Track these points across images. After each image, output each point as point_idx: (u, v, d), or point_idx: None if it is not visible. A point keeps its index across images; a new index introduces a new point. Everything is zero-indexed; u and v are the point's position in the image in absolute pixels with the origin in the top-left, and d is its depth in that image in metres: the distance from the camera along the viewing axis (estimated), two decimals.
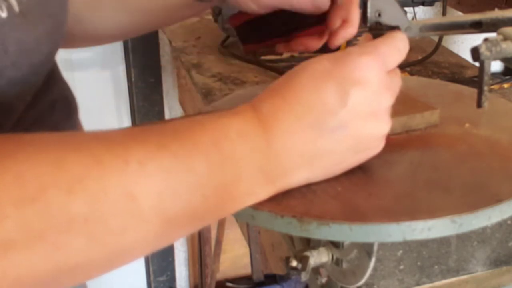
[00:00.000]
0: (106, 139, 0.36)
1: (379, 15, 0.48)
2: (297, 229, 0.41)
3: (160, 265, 1.77)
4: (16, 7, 0.43)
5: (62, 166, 0.33)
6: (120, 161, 0.34)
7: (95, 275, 0.36)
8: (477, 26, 0.50)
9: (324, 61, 0.43)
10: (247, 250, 1.22)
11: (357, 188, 0.45)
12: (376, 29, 0.49)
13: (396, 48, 0.45)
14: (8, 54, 0.43)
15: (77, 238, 0.33)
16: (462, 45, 1.50)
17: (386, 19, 0.48)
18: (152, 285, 1.79)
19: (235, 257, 1.73)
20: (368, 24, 0.50)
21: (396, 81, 0.45)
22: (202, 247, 1.67)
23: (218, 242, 1.55)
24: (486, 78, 0.45)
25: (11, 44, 0.43)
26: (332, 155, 0.43)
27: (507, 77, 0.99)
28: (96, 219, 0.33)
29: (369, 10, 0.48)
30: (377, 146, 0.45)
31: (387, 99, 0.43)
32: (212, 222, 0.40)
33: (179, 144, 0.37)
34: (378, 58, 0.43)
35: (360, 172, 0.45)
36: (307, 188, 0.44)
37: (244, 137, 0.40)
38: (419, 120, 0.53)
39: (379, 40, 0.45)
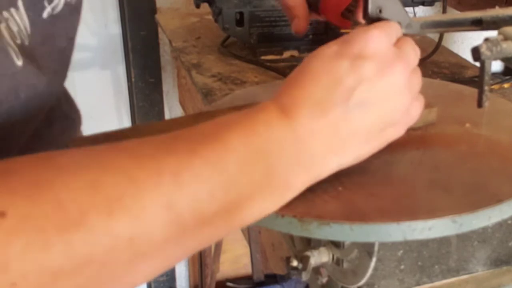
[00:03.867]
0: (137, 153, 0.36)
1: (380, 11, 0.48)
2: (298, 229, 0.41)
3: None
4: (20, 56, 0.42)
5: (98, 189, 0.33)
6: (154, 175, 0.35)
7: (139, 285, 0.36)
8: (478, 24, 0.51)
9: (332, 45, 0.44)
10: (247, 250, 1.22)
11: (358, 188, 0.45)
12: None
13: (387, 28, 0.46)
14: (19, 100, 0.42)
15: (123, 257, 0.33)
16: (462, 45, 1.50)
17: (387, 16, 0.48)
18: (152, 285, 1.79)
19: (235, 257, 1.73)
20: (368, 21, 0.50)
21: (408, 52, 0.46)
22: None
23: (218, 242, 1.55)
24: (486, 78, 0.45)
25: (24, 91, 0.43)
26: (357, 134, 0.43)
27: (507, 77, 0.99)
28: (139, 235, 0.33)
29: (370, 6, 0.48)
30: (401, 121, 0.45)
31: (401, 70, 0.44)
32: (253, 220, 0.40)
33: (209, 148, 0.37)
34: (383, 31, 0.44)
35: (361, 172, 0.45)
36: (308, 188, 0.43)
37: (271, 130, 0.40)
38: None
39: (371, 25, 0.47)
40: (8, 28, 0.41)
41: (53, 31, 0.47)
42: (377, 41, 0.43)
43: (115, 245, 0.32)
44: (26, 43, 0.43)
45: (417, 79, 0.47)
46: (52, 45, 0.47)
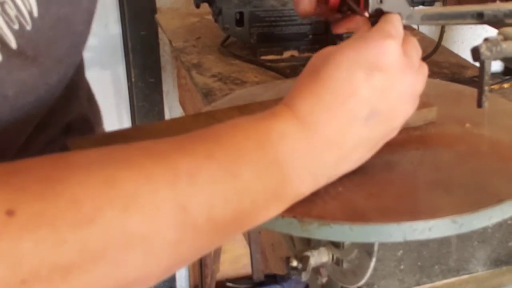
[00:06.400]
0: (154, 152, 0.36)
1: (381, 1, 0.48)
2: (298, 230, 0.41)
3: None
4: (13, 43, 0.39)
5: (114, 185, 0.33)
6: (170, 175, 0.35)
7: (151, 285, 0.36)
8: (479, 17, 0.51)
9: (346, 50, 0.43)
10: (247, 250, 1.22)
11: (358, 188, 0.45)
12: (377, 16, 0.49)
13: (394, 24, 0.46)
14: (8, 99, 0.40)
15: (135, 255, 0.33)
16: (462, 45, 1.50)
17: (387, 6, 0.48)
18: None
19: (235, 257, 1.73)
20: (370, 11, 0.50)
21: (414, 58, 0.46)
22: None
23: None
24: (486, 78, 0.45)
25: (11, 87, 0.40)
26: (367, 143, 0.43)
27: (507, 77, 0.99)
28: (152, 234, 0.33)
29: None
30: (399, 127, 0.46)
31: (409, 80, 0.44)
32: (261, 223, 0.40)
33: (224, 152, 0.37)
34: (396, 40, 0.44)
35: (361, 172, 0.45)
36: None
37: (286, 139, 0.40)
38: (416, 117, 0.53)
39: (380, 24, 0.46)
40: (4, 12, 0.38)
41: (67, 12, 0.43)
42: (392, 52, 0.43)
43: (128, 242, 0.32)
44: (28, 28, 0.40)
45: (420, 82, 0.47)
46: (66, 28, 0.44)
